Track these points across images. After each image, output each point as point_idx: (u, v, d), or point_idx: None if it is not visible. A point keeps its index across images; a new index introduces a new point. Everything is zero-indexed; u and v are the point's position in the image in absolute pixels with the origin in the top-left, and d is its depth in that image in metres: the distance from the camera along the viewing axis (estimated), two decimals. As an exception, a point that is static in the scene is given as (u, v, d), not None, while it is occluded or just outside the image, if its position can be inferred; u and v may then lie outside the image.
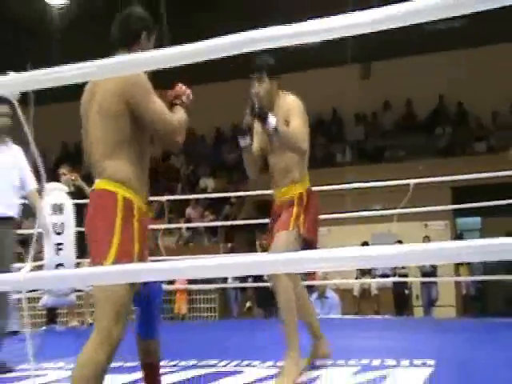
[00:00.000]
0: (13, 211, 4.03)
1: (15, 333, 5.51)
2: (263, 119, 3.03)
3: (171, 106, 2.48)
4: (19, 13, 13.02)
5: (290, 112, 3.15)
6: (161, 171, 15.32)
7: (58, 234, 6.08)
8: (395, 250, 1.09)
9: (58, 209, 6.14)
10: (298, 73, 14.43)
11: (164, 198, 7.73)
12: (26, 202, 4.37)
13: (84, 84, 2.44)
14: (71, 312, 6.78)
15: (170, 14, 10.81)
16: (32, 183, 4.21)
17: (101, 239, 2.22)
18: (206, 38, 1.27)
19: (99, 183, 2.31)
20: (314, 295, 7.80)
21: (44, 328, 6.58)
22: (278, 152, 3.24)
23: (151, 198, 7.52)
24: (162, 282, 8.89)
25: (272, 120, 3.01)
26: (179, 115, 2.43)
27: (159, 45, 1.63)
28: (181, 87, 2.54)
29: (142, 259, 2.24)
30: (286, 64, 12.31)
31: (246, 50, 1.19)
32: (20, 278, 1.22)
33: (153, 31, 2.49)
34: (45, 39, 13.26)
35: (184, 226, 9.34)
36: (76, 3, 12.70)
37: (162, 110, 2.33)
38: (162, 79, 2.71)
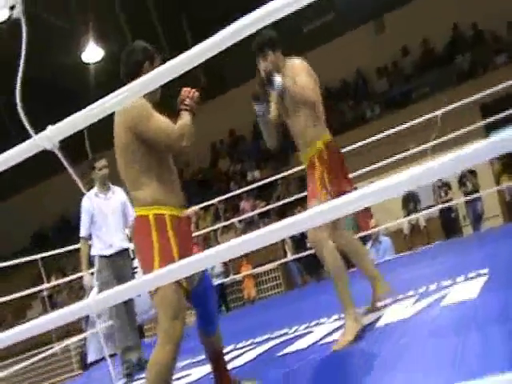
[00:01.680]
0: (124, 243, 4.72)
1: (113, 355, 6.01)
2: (270, 81, 3.10)
3: (179, 112, 2.61)
4: (56, 72, 13.86)
5: (295, 71, 3.19)
6: (210, 178, 15.84)
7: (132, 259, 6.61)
8: (431, 165, 1.01)
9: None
10: (319, 47, 14.74)
11: (216, 200, 8.03)
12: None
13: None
14: (155, 325, 7.27)
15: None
16: (133, 215, 4.73)
17: (145, 256, 2.46)
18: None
19: (135, 212, 2.56)
20: (369, 243, 7.98)
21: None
22: (292, 114, 3.26)
23: (206, 204, 7.79)
24: (221, 275, 9.28)
25: (277, 78, 3.09)
26: (182, 121, 2.56)
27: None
28: (185, 91, 2.64)
29: (186, 257, 2.44)
30: (305, 43, 12.58)
31: (259, 25, 1.15)
32: (90, 302, 1.28)
33: (155, 59, 2.65)
34: (81, 96, 14.12)
35: (235, 220, 9.69)
36: (109, 60, 13.38)
37: (160, 126, 2.48)
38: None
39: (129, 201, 4.74)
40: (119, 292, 1.33)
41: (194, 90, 2.64)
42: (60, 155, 1.24)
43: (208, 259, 1.26)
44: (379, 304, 3.43)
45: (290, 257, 9.40)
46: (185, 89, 2.65)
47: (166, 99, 2.68)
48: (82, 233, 4.69)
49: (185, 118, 2.57)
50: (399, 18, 14.17)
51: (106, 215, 4.63)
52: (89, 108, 1.30)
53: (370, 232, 7.56)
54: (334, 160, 3.21)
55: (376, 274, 3.42)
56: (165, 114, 2.57)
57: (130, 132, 2.48)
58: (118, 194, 4.76)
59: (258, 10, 1.14)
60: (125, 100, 1.31)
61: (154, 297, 2.44)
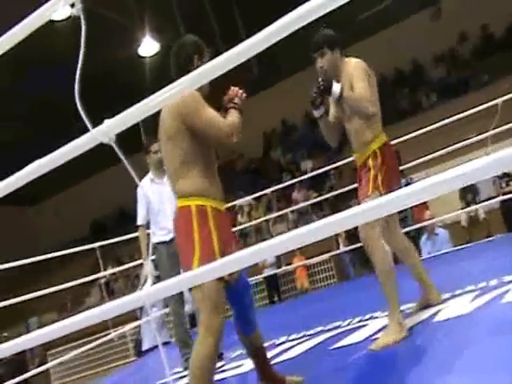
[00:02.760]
0: None
1: (166, 343, 6.15)
2: (328, 90, 3.06)
3: (226, 110, 2.66)
4: (113, 67, 14.18)
5: (353, 76, 3.12)
6: (264, 167, 15.86)
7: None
8: (492, 158, 0.97)
9: None
10: (374, 36, 14.58)
11: (268, 191, 8.00)
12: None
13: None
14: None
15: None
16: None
17: (186, 249, 2.47)
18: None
19: (178, 202, 2.57)
20: (424, 236, 7.81)
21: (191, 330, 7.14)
22: (350, 117, 3.23)
23: (259, 194, 7.83)
24: (274, 265, 9.28)
25: (336, 88, 3.05)
26: (232, 118, 2.60)
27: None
28: (233, 90, 2.71)
29: (226, 250, 2.43)
30: (360, 31, 12.40)
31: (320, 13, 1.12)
32: (142, 294, 1.29)
33: (205, 53, 2.69)
34: (138, 90, 14.40)
35: (288, 210, 9.67)
36: (165, 53, 13.60)
37: (212, 119, 2.52)
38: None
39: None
40: (171, 285, 1.33)
41: (241, 90, 2.70)
42: (116, 148, 1.25)
43: (261, 253, 1.25)
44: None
45: (342, 248, 9.33)
46: (233, 88, 2.70)
47: (215, 94, 2.69)
48: (139, 221, 4.67)
49: (234, 115, 2.62)
50: (456, 2, 13.81)
51: (162, 201, 4.53)
52: (143, 102, 1.31)
53: (425, 224, 7.38)
54: (389, 162, 3.18)
55: (429, 283, 3.37)
56: (213, 107, 2.59)
57: (181, 120, 2.51)
58: None
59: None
60: (177, 94, 1.32)
61: (194, 290, 2.44)
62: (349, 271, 10.47)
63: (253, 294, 2.77)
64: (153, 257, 4.70)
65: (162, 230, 4.54)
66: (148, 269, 4.68)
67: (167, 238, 4.51)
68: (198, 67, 2.53)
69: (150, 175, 4.69)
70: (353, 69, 3.14)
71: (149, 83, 13.65)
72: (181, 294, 4.52)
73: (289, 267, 10.16)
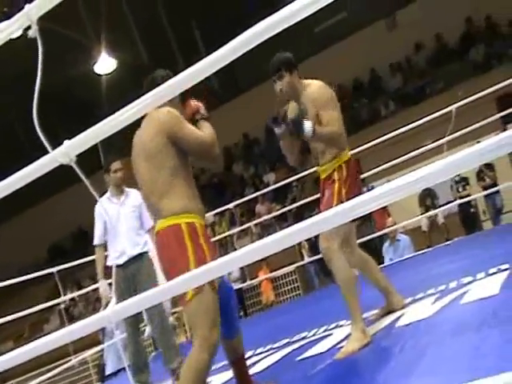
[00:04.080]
0: (137, 249, 4.55)
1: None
2: (298, 128, 3.02)
3: (194, 123, 2.68)
4: (69, 85, 14.04)
5: (319, 102, 3.15)
6: (227, 181, 15.92)
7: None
8: (447, 161, 1.02)
9: None
10: (331, 47, 14.84)
11: (231, 205, 8.02)
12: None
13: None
14: (177, 332, 7.31)
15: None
16: (149, 222, 4.59)
17: (179, 267, 2.38)
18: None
19: (161, 223, 2.52)
20: (386, 243, 7.98)
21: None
22: (314, 140, 3.23)
23: (222, 209, 7.83)
24: (238, 280, 9.31)
25: (307, 127, 3.01)
26: (207, 129, 2.65)
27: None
28: (194, 103, 2.74)
29: None
30: (317, 43, 12.57)
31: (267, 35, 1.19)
32: (107, 312, 1.27)
33: None
34: (96, 108, 14.36)
35: (251, 224, 9.74)
36: (122, 70, 13.55)
37: (194, 133, 2.58)
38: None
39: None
40: (137, 302, 1.33)
41: (198, 102, 2.74)
42: (77, 169, 1.28)
43: (227, 265, 1.28)
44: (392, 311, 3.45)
45: (306, 259, 9.43)
46: (191, 101, 2.74)
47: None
48: (96, 241, 4.65)
49: (207, 126, 2.66)
50: (411, 14, 14.25)
51: (118, 221, 4.54)
52: (103, 122, 1.32)
53: (387, 231, 7.55)
54: (352, 176, 3.25)
55: (390, 289, 3.47)
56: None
57: (164, 136, 2.53)
58: (132, 197, 4.65)
59: (272, 15, 1.17)
60: (140, 112, 1.34)
61: (188, 303, 2.43)
62: (314, 282, 10.59)
63: (236, 300, 2.80)
64: (110, 280, 4.65)
65: (115, 252, 4.53)
66: (102, 291, 4.68)
67: (121, 261, 4.50)
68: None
69: (107, 194, 4.67)
70: (317, 94, 3.18)
71: (106, 101, 13.59)
72: (137, 319, 4.48)
73: (254, 281, 10.20)
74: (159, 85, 2.57)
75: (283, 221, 12.39)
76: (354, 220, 3.09)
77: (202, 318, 2.40)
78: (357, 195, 3.13)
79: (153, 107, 1.41)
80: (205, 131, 2.63)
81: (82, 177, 1.28)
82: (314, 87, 3.22)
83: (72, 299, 13.31)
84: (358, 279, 3.19)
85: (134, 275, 4.49)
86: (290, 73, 3.24)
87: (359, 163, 3.37)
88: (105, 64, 13.68)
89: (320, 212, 3.20)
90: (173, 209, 2.51)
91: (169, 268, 2.51)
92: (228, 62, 1.23)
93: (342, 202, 3.03)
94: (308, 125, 3.02)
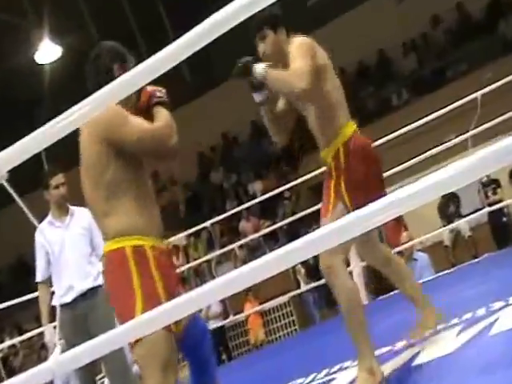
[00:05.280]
0: (88, 282, 4.50)
1: None
2: (248, 71, 3.04)
3: (148, 110, 2.66)
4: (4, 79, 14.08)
5: (293, 55, 3.13)
6: (202, 193, 15.94)
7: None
8: (475, 158, 1.02)
9: None
10: (329, 23, 14.91)
11: (209, 223, 7.93)
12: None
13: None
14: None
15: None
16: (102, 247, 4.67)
17: (123, 299, 2.46)
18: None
19: (105, 247, 2.57)
20: (401, 262, 8.05)
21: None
22: (306, 107, 3.27)
23: (198, 228, 7.78)
24: (219, 316, 9.27)
25: (258, 68, 3.03)
26: (162, 116, 2.62)
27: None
28: (150, 87, 2.69)
29: (173, 295, 2.37)
30: (312, 19, 12.63)
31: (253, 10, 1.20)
32: (51, 364, 1.28)
33: (127, 60, 2.74)
34: (36, 105, 14.36)
35: (235, 246, 9.76)
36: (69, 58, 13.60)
37: (141, 125, 2.55)
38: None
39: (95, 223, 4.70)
40: (89, 349, 1.33)
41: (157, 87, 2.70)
42: (9, 187, 1.30)
43: (202, 298, 1.26)
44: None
45: (303, 287, 9.47)
46: (147, 87, 2.68)
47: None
48: (38, 277, 4.61)
49: (163, 111, 2.64)
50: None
51: (63, 249, 4.49)
52: (42, 129, 1.32)
53: (402, 248, 7.60)
54: (355, 162, 3.15)
55: (424, 301, 3.46)
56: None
57: (103, 143, 2.54)
58: (79, 218, 4.61)
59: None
60: (91, 113, 1.35)
61: (135, 347, 2.45)
62: (313, 314, 10.63)
63: (211, 341, 2.79)
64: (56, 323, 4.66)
65: (61, 288, 4.50)
66: (48, 338, 4.67)
67: (68, 298, 4.47)
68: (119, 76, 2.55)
69: (48, 217, 4.65)
70: (294, 48, 3.16)
71: (50, 96, 13.62)
72: (91, 371, 4.44)
73: (239, 316, 10.20)
74: (106, 65, 2.67)
75: (274, 241, 12.43)
76: None
77: (151, 363, 2.42)
78: (366, 191, 3.12)
79: (108, 105, 1.43)
80: (158, 120, 2.61)
81: (16, 197, 1.31)
82: (296, 42, 3.20)
83: (11, 346, 13.21)
84: (364, 307, 3.22)
85: (85, 315, 4.43)
86: (274, 31, 3.24)
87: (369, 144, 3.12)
88: (47, 51, 13.70)
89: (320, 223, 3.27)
90: (116, 229, 2.54)
91: (113, 302, 2.55)
92: (202, 46, 1.24)
93: (343, 203, 3.11)
94: (259, 66, 3.03)
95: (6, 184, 1.19)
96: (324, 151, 3.26)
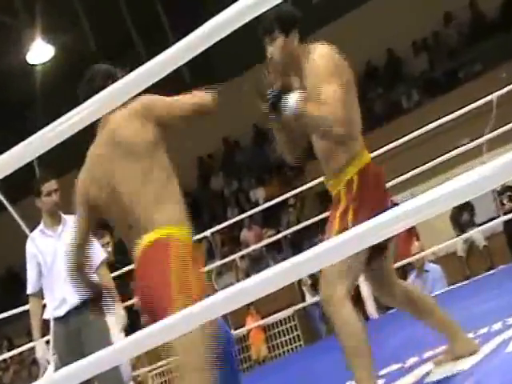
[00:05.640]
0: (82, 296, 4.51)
1: None
2: (278, 105, 2.87)
3: None
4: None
5: (319, 77, 2.96)
6: (202, 201, 15.93)
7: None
8: (491, 166, 1.01)
9: None
10: (333, 23, 14.93)
11: (209, 232, 7.94)
12: None
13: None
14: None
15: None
16: (99, 254, 4.63)
17: (158, 292, 2.55)
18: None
19: (149, 237, 2.62)
20: (412, 275, 8.03)
21: None
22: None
23: (198, 237, 7.83)
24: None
25: (292, 99, 2.86)
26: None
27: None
28: None
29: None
30: (316, 17, 12.62)
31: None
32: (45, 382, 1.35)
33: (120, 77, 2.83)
34: (29, 107, 14.41)
35: (236, 256, 9.74)
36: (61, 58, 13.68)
37: (185, 97, 2.81)
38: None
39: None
40: (84, 367, 1.32)
41: None
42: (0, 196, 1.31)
43: (202, 314, 1.25)
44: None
45: (309, 300, 9.44)
46: None
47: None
48: (29, 289, 4.60)
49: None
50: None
51: (55, 259, 4.47)
52: (34, 137, 1.32)
53: (413, 259, 7.59)
54: (368, 192, 3.09)
55: (455, 329, 3.30)
56: None
57: (150, 121, 2.68)
58: (72, 227, 4.66)
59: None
60: (87, 119, 1.34)
61: (176, 344, 2.45)
62: (319, 328, 10.59)
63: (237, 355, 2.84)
64: (49, 337, 4.65)
65: (54, 301, 4.50)
66: (40, 354, 4.65)
67: (61, 312, 4.46)
68: None
69: (40, 226, 4.65)
70: (317, 66, 3.00)
71: (42, 98, 13.66)
72: None
73: (240, 331, 10.16)
74: (99, 87, 2.74)
75: (277, 251, 12.42)
76: (379, 249, 3.00)
77: (191, 361, 2.49)
78: (373, 215, 3.17)
79: (105, 111, 1.44)
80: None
81: (7, 204, 1.31)
82: (316, 56, 3.03)
83: (1, 361, 13.20)
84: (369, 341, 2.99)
85: (79, 330, 4.42)
86: (285, 34, 3.09)
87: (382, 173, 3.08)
88: (40, 51, 13.73)
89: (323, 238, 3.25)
90: (168, 218, 2.65)
91: (149, 292, 2.63)
92: (204, 48, 1.24)
93: (346, 228, 2.90)
94: (293, 98, 2.86)
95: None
96: (332, 179, 3.17)
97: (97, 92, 2.70)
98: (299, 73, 3.08)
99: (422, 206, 1.07)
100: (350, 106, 3.06)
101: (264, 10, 1.20)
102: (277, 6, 3.12)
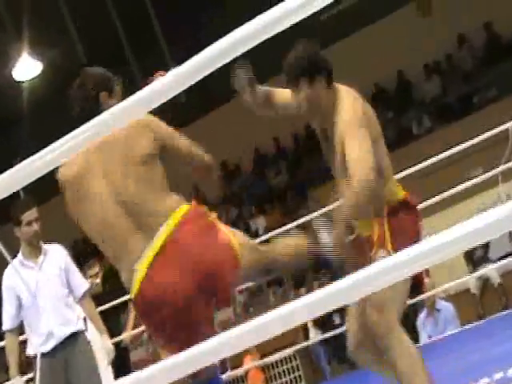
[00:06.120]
0: (69, 328, 4.55)
1: None
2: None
3: None
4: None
5: (345, 135, 2.95)
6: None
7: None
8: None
9: None
10: (340, 43, 14.98)
11: None
12: None
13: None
14: None
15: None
16: (82, 285, 4.73)
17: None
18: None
19: (181, 209, 2.77)
20: (423, 313, 8.01)
21: None
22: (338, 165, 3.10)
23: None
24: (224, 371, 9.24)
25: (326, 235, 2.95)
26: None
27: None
28: None
29: None
30: (321, 36, 12.73)
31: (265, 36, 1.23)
32: None
33: (114, 86, 2.94)
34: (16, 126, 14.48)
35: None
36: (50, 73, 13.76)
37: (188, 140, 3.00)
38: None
39: (71, 261, 4.74)
40: None
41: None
42: None
43: (196, 360, 1.24)
44: None
45: (313, 337, 9.38)
46: None
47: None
48: (6, 325, 4.59)
49: None
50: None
51: (38, 292, 4.51)
52: (23, 164, 1.32)
53: (423, 297, 7.57)
54: (400, 232, 3.08)
55: None
56: None
57: (156, 144, 2.79)
58: (54, 257, 4.65)
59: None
60: (80, 146, 1.33)
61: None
62: (323, 369, 10.53)
63: None
64: (30, 375, 4.68)
65: (40, 336, 4.50)
66: None
67: (48, 346, 4.48)
68: (110, 106, 2.58)
69: (19, 256, 4.65)
70: (344, 121, 2.98)
71: (28, 116, 13.73)
72: None
73: (238, 371, 10.11)
74: (90, 95, 2.81)
75: (278, 285, 12.35)
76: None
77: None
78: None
79: (98, 136, 1.43)
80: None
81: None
82: (343, 110, 3.01)
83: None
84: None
85: (66, 363, 4.47)
86: (310, 81, 3.01)
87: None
88: (27, 67, 13.81)
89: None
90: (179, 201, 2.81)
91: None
92: (211, 71, 1.28)
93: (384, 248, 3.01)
94: (325, 233, 2.96)
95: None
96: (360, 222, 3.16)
97: (88, 99, 2.82)
98: (326, 122, 3.11)
99: (431, 249, 1.07)
100: (380, 156, 3.06)
101: (271, 34, 1.24)
102: (298, 50, 3.13)
